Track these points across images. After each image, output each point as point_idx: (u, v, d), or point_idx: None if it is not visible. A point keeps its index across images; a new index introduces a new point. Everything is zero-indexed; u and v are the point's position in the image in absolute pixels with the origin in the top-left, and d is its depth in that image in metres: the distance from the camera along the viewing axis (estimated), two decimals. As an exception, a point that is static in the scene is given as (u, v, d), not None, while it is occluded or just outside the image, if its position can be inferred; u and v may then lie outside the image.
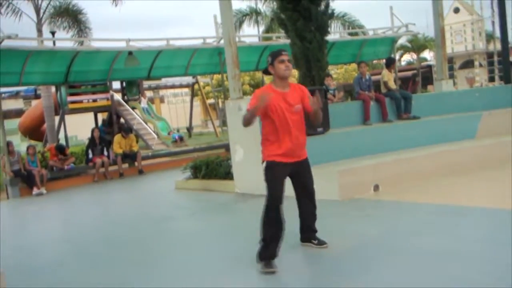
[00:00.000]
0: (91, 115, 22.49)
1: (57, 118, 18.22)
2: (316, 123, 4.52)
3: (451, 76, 29.27)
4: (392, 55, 19.55)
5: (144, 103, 21.57)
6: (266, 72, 4.35)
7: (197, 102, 38.62)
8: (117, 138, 13.68)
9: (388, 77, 9.66)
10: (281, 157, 4.20)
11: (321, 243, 4.57)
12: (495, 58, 31.50)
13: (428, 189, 6.90)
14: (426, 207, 5.93)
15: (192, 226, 6.56)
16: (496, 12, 22.25)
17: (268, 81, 4.56)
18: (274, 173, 4.19)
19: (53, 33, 18.65)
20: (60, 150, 13.14)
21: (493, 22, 33.08)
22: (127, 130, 14.48)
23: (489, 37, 36.73)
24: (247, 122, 4.16)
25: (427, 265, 3.94)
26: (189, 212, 7.57)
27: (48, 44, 15.24)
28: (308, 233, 4.65)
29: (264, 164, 4.25)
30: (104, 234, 6.54)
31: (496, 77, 33.38)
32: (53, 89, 18.78)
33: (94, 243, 6.10)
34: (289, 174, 4.32)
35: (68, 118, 18.16)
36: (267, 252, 4.13)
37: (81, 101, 17.86)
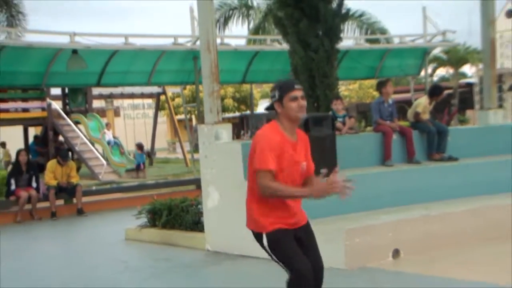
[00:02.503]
0: (19, 129, 22.27)
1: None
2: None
3: (499, 99, 29.52)
4: (423, 72, 19.71)
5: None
6: (270, 109, 4.22)
7: (163, 118, 38.54)
8: (51, 165, 13.46)
9: (425, 109, 9.61)
10: (284, 224, 4.09)
11: None
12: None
13: (466, 259, 6.88)
14: (462, 285, 5.88)
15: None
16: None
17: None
18: (285, 246, 4.05)
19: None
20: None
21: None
22: (64, 155, 14.26)
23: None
24: (271, 195, 3.99)
25: None
26: (141, 275, 7.38)
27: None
28: None
29: (265, 239, 4.07)
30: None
31: None
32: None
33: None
34: None
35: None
36: None
37: (7, 110, 17.67)
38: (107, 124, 22.00)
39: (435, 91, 10.09)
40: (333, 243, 6.78)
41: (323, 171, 3.81)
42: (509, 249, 7.01)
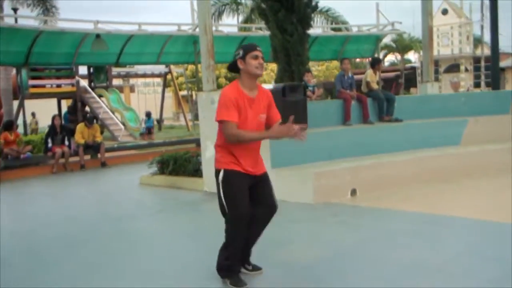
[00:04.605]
0: (54, 101, 22.03)
1: (16, 103, 17.75)
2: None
3: (436, 79, 29.66)
4: (376, 54, 19.64)
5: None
6: (232, 67, 3.95)
7: (169, 94, 38.20)
8: (80, 127, 13.36)
9: (372, 78, 9.62)
10: (245, 170, 3.87)
11: (256, 268, 4.21)
12: (482, 63, 32.00)
13: (407, 196, 6.90)
14: (405, 215, 5.92)
15: (154, 226, 6.39)
16: (486, 16, 22.57)
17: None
18: (235, 184, 3.81)
19: (15, 9, 18.16)
20: (7, 127, 12.72)
21: (482, 26, 33.69)
22: (90, 119, 14.17)
23: (477, 42, 37.31)
24: (239, 140, 3.78)
25: (404, 278, 3.88)
26: (152, 210, 7.39)
27: (9, 21, 14.82)
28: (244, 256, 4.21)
29: (222, 174, 3.84)
30: (58, 231, 6.30)
31: (482, 83, 33.96)
32: (14, 71, 18.29)
33: (46, 241, 5.86)
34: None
35: (29, 103, 17.72)
36: (234, 269, 3.95)
37: (43, 86, 17.45)
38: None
39: (374, 62, 10.15)
40: (304, 183, 6.86)
41: (291, 117, 3.68)
42: (439, 189, 7.21)
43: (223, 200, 3.83)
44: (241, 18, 25.93)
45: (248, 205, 3.81)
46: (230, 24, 30.30)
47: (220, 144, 3.93)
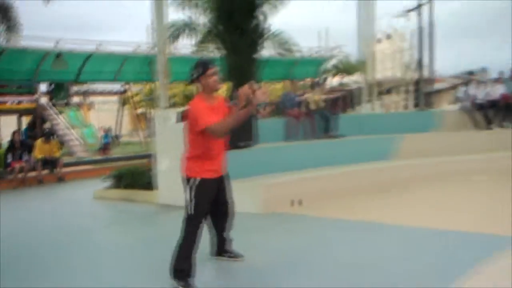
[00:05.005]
0: (14, 117, 21.54)
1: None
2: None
3: (379, 99, 30.52)
4: (321, 76, 20.16)
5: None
6: (193, 81, 4.19)
7: (127, 111, 37.71)
8: (38, 143, 13.11)
9: (314, 98, 9.90)
10: (212, 173, 4.16)
11: (236, 255, 4.57)
12: (416, 87, 33.14)
13: (346, 205, 7.13)
14: (344, 223, 6.16)
15: (106, 238, 6.36)
16: (424, 43, 23.48)
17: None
18: (205, 191, 4.13)
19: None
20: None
21: (420, 52, 34.97)
22: (49, 134, 13.91)
23: (415, 66, 38.67)
24: (226, 131, 3.99)
25: (344, 277, 4.14)
26: (104, 223, 7.33)
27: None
28: (223, 246, 4.64)
29: (197, 182, 4.09)
30: (9, 243, 6.19)
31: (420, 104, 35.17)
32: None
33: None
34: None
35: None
36: (187, 270, 4.05)
37: (5, 102, 17.04)
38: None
39: (315, 83, 10.51)
40: (253, 194, 6.97)
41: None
42: (374, 198, 7.48)
43: (190, 201, 4.10)
44: (196, 40, 25.98)
45: (209, 208, 4.21)
46: (185, 46, 30.41)
47: (194, 155, 4.13)
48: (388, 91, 38.02)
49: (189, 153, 4.17)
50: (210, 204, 4.19)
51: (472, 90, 10.91)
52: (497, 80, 11.08)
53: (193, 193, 4.08)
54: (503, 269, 4.19)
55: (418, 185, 8.20)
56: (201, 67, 4.11)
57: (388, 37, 39.11)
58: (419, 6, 19.55)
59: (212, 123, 3.93)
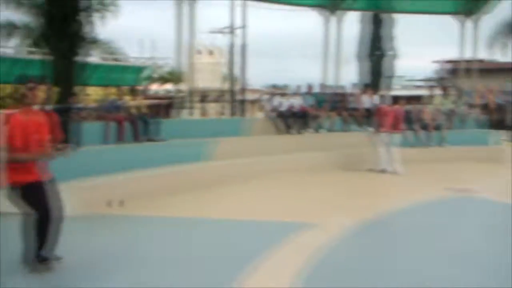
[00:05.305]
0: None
1: None
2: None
3: (197, 107, 31.84)
4: (143, 83, 20.58)
5: None
6: (17, 98, 4.31)
7: None
8: None
9: (136, 103, 10.17)
10: (36, 177, 4.28)
11: (56, 258, 4.54)
12: (232, 96, 35.36)
13: (167, 204, 7.48)
14: (165, 220, 6.56)
15: None
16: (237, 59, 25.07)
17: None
18: (35, 193, 4.25)
19: None
20: None
21: (233, 66, 37.32)
22: None
23: (230, 78, 41.39)
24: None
25: (167, 271, 4.53)
26: None
27: None
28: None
29: (21, 190, 4.21)
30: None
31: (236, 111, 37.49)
32: None
33: None
34: None
35: None
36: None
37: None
38: None
39: (135, 90, 10.77)
40: (74, 197, 6.58)
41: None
42: (195, 195, 8.02)
43: (29, 207, 4.30)
44: (29, 41, 24.07)
45: (48, 207, 4.36)
46: (16, 46, 27.72)
47: (11, 165, 4.23)
48: (208, 100, 39.81)
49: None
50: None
51: (276, 101, 12.18)
52: (295, 94, 12.54)
53: (26, 201, 4.27)
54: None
55: (234, 182, 8.98)
56: (19, 81, 4.29)
57: (210, 52, 41.44)
58: (231, 28, 21.35)
59: (13, 146, 4.08)
